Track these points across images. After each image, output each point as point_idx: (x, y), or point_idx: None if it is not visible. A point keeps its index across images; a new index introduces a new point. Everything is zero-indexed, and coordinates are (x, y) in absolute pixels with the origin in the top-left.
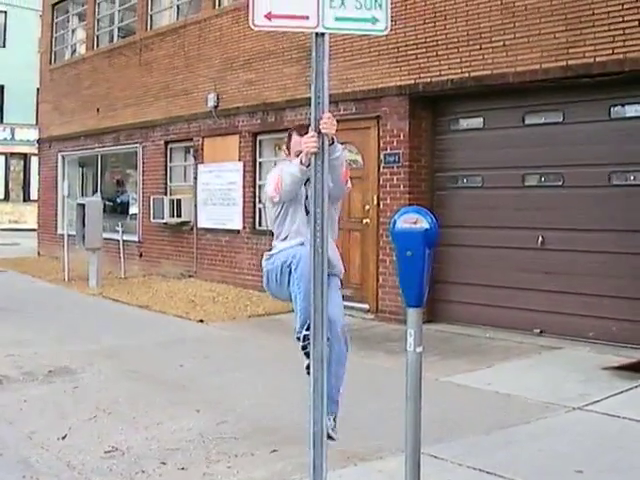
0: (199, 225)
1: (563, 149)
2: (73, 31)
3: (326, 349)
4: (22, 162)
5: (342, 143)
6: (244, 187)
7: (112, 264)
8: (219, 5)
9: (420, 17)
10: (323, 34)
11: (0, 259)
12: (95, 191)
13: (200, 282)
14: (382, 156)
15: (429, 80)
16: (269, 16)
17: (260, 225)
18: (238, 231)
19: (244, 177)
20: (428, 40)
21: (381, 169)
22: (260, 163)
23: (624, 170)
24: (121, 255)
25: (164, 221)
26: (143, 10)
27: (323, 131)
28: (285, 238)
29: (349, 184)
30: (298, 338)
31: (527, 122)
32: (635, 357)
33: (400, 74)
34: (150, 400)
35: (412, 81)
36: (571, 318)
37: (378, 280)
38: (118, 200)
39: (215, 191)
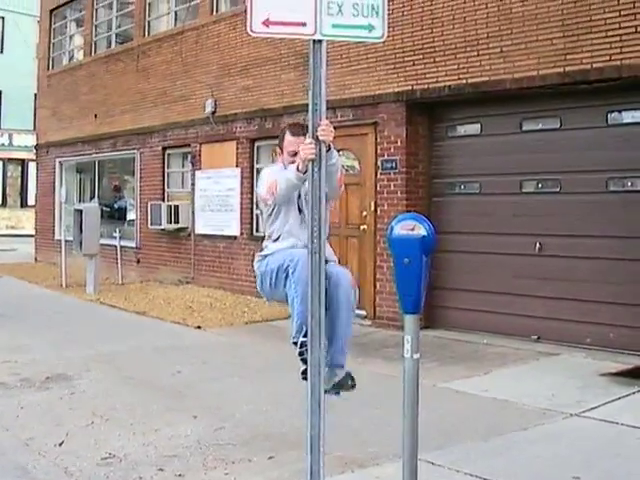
0: (197, 231)
1: (560, 155)
2: (71, 37)
3: (323, 355)
4: (20, 168)
5: (339, 149)
6: (242, 193)
7: (109, 270)
8: (217, 11)
9: (418, 23)
10: (320, 41)
11: None
12: (93, 197)
13: (197, 288)
14: (379, 162)
15: (426, 86)
16: (267, 23)
17: (257, 231)
18: (235, 237)
19: (242, 183)
20: (426, 46)
21: (378, 175)
22: (258, 169)
23: (621, 176)
24: (118, 261)
25: (162, 227)
26: (141, 16)
27: (321, 138)
28: (277, 238)
29: (342, 188)
30: (295, 343)
31: (524, 128)
32: (633, 363)
33: (397, 80)
34: (147, 406)
35: (409, 87)
36: (568, 324)
37: (375, 286)
38: (116, 206)
39: (213, 197)
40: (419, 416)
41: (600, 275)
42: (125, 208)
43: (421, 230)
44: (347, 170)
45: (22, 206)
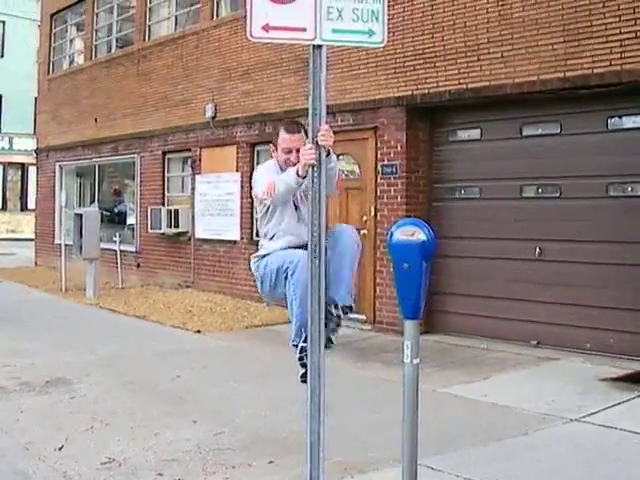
0: (197, 236)
1: (561, 160)
2: (71, 41)
3: (323, 359)
4: (20, 172)
5: (340, 154)
6: (242, 198)
7: (109, 274)
8: (217, 16)
9: (418, 28)
10: (320, 46)
11: None
12: (93, 201)
13: (197, 292)
14: (379, 167)
15: (427, 91)
16: (266, 28)
17: (257, 236)
18: (235, 242)
19: (242, 188)
20: (426, 51)
21: (378, 180)
22: None
23: (622, 181)
24: (118, 265)
25: (162, 231)
26: (141, 20)
27: (321, 143)
28: (273, 237)
29: (339, 190)
30: (294, 345)
31: (525, 133)
32: (633, 368)
33: (398, 85)
34: (147, 411)
35: (410, 92)
36: (568, 329)
37: (375, 291)
38: (116, 210)
39: (213, 202)
40: (419, 421)
41: (600, 280)
42: (125, 212)
43: (421, 235)
44: (347, 175)
45: (22, 210)
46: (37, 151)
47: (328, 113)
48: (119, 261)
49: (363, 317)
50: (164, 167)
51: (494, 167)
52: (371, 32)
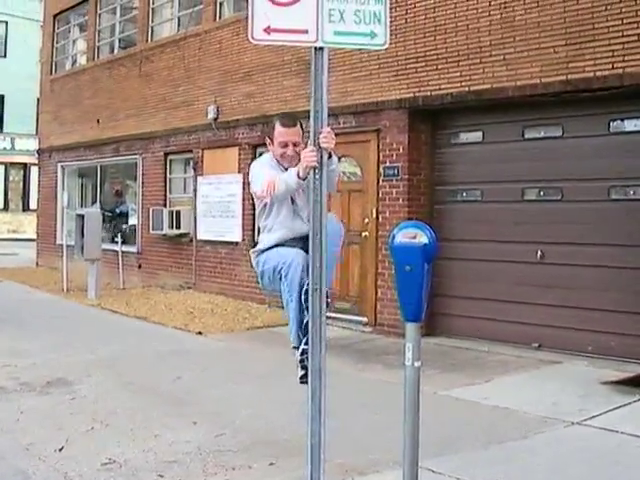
0: (198, 237)
1: (562, 163)
2: (74, 42)
3: (324, 361)
4: (22, 172)
5: (341, 156)
6: (243, 199)
7: (111, 275)
8: (219, 17)
9: (420, 31)
10: (322, 48)
11: None
12: (94, 202)
13: (199, 294)
14: (381, 169)
15: (429, 94)
16: (268, 30)
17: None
18: (237, 243)
19: (243, 189)
20: (428, 54)
21: (380, 182)
22: None
23: (623, 185)
24: (120, 266)
25: (163, 232)
26: (144, 22)
27: (323, 146)
28: (269, 230)
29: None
30: (295, 347)
31: (527, 136)
32: (634, 371)
33: (400, 87)
34: (147, 412)
35: (412, 94)
36: (570, 332)
37: (377, 293)
38: (117, 211)
39: (214, 203)
40: (419, 423)
41: (602, 283)
42: (127, 213)
43: (423, 238)
44: (349, 177)
45: (24, 210)
46: (39, 151)
47: (330, 115)
48: (120, 262)
49: (364, 319)
50: (166, 168)
51: (496, 170)
52: (373, 34)
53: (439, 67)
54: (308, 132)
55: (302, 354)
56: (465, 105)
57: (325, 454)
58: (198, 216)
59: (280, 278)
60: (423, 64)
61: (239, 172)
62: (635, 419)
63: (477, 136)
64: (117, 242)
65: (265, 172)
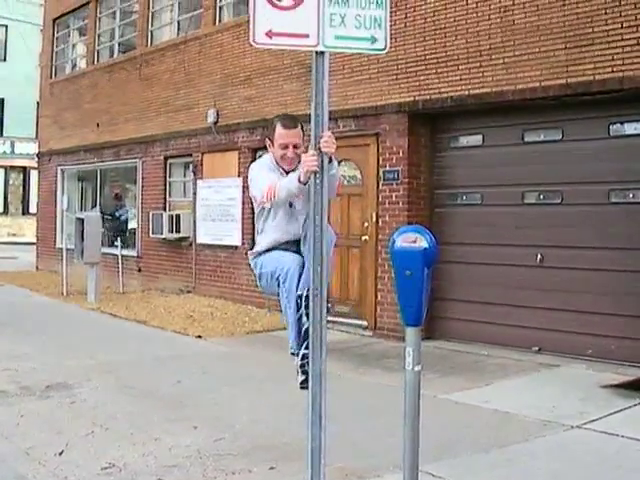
0: (198, 241)
1: (562, 167)
2: (74, 46)
3: (324, 366)
4: (21, 175)
5: (341, 160)
6: (243, 203)
7: (111, 279)
8: (219, 21)
9: (420, 34)
10: (323, 52)
11: None
12: (94, 205)
13: (198, 298)
14: (381, 173)
15: (429, 97)
16: (269, 34)
17: None
18: (237, 247)
19: (243, 193)
20: (428, 57)
21: (380, 186)
22: None
23: (623, 188)
24: (120, 270)
25: (163, 236)
26: (143, 26)
27: (323, 150)
28: (266, 232)
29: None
30: (293, 354)
31: (526, 140)
32: (634, 375)
33: (400, 91)
34: (147, 416)
35: (412, 98)
36: (570, 336)
37: (376, 297)
38: (117, 215)
39: (214, 207)
40: (420, 427)
41: (601, 287)
42: (127, 217)
43: (423, 243)
44: (349, 181)
45: (24, 214)
46: (39, 155)
47: (330, 119)
48: (120, 266)
49: (364, 323)
50: (166, 172)
51: (496, 173)
52: (374, 39)
53: (439, 71)
54: (308, 135)
55: (302, 359)
56: (465, 109)
57: (325, 458)
58: (198, 220)
59: (278, 285)
60: (423, 68)
61: (239, 176)
62: (635, 423)
63: (477, 140)
64: (117, 246)
65: (264, 176)
